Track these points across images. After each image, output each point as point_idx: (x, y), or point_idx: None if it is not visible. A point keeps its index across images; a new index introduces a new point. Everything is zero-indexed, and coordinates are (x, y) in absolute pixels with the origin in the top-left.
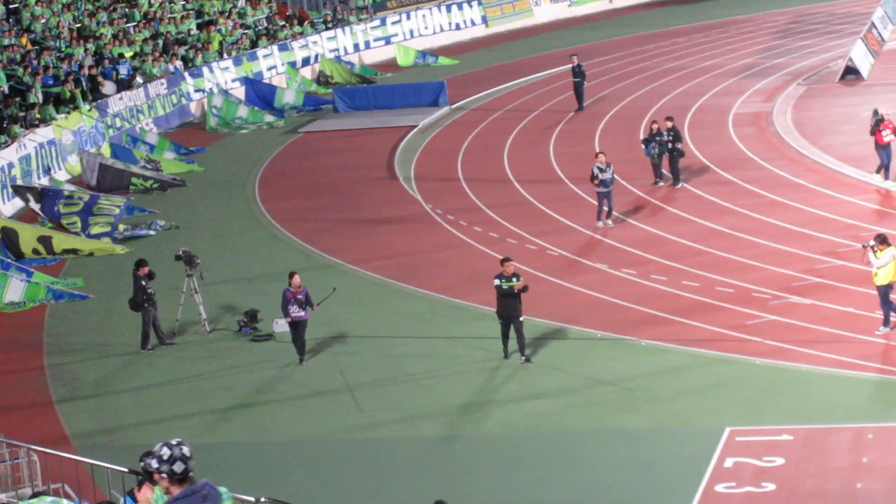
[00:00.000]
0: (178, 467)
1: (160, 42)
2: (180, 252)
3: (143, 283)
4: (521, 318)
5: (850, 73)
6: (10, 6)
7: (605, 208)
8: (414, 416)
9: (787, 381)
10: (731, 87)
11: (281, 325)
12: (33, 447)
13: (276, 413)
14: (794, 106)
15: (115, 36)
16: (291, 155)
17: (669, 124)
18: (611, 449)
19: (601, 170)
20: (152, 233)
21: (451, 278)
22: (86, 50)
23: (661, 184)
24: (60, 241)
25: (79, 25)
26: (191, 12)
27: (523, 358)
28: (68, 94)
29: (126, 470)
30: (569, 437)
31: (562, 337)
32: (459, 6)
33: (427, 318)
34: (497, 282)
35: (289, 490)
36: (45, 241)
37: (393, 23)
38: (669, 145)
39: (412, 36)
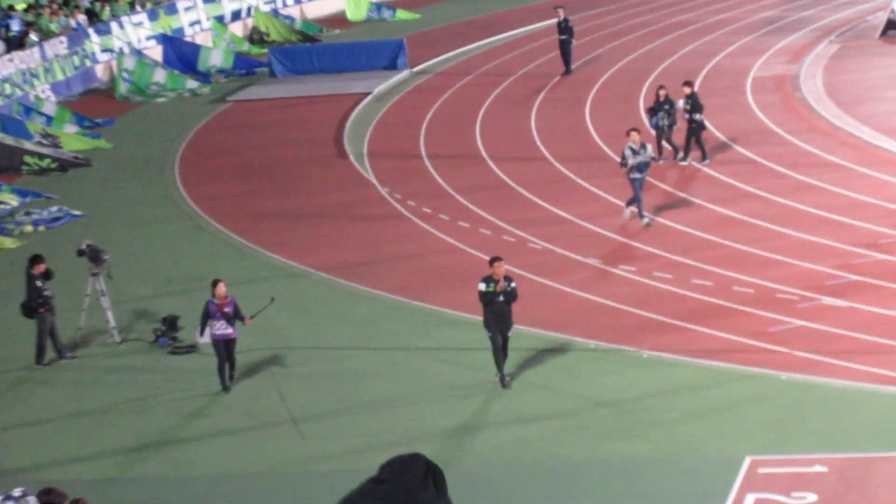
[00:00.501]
0: None
1: None
2: (84, 246)
3: (39, 283)
4: (511, 333)
5: (893, 27)
6: None
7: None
8: (368, 445)
9: (819, 401)
10: (749, 46)
11: (207, 335)
12: None
13: (201, 442)
14: (825, 68)
15: None
16: (219, 129)
17: (687, 90)
18: (608, 482)
19: (634, 151)
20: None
21: (413, 277)
22: None
23: (680, 160)
24: None
25: None
26: None
27: (499, 377)
28: None
29: None
30: (558, 468)
31: (548, 348)
32: None
33: (384, 325)
34: (483, 286)
35: None
36: None
37: None
38: (687, 115)
39: None
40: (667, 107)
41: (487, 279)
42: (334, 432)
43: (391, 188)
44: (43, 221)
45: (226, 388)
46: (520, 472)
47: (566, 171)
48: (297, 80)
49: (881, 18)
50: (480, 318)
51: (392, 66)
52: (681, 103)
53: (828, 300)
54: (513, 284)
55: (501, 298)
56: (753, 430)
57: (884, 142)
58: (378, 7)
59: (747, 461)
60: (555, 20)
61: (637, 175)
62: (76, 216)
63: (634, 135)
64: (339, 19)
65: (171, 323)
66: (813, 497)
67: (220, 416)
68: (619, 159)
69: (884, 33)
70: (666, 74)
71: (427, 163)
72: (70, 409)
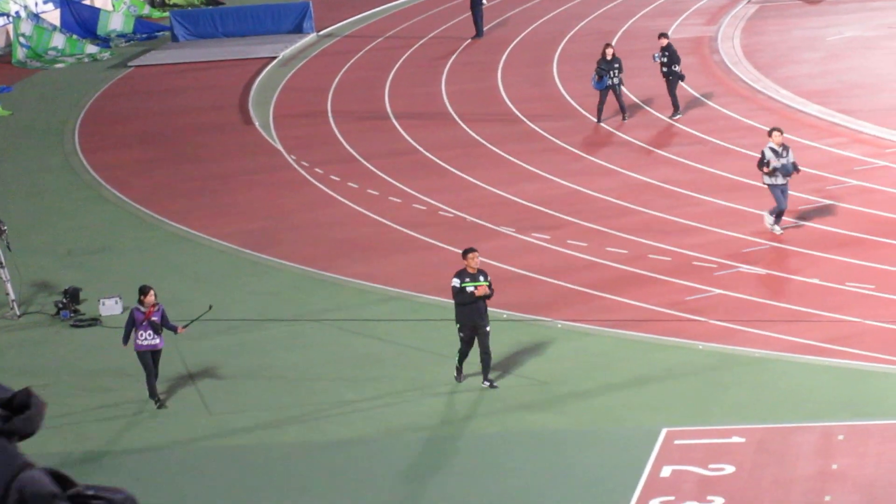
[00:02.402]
0: None
1: None
2: None
3: None
4: (489, 328)
5: None
6: None
7: (777, 207)
8: (276, 419)
9: (737, 370)
10: (664, 7)
11: (109, 307)
12: None
13: (103, 417)
14: (743, 29)
15: None
16: (120, 95)
17: (664, 42)
18: (523, 454)
19: (776, 153)
20: None
21: (321, 246)
22: None
23: (672, 116)
24: None
25: None
26: None
27: (486, 383)
28: None
29: None
30: (471, 441)
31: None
32: None
33: (290, 296)
34: (457, 282)
35: None
36: None
37: None
38: (664, 69)
39: None
40: (616, 66)
41: (461, 273)
42: (240, 405)
43: (298, 155)
44: None
45: (158, 402)
46: (431, 445)
47: (477, 137)
48: (200, 44)
49: None
50: (391, 289)
51: (298, 30)
52: (656, 57)
53: (745, 268)
54: (488, 279)
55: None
56: (670, 401)
57: (804, 105)
58: None
59: (664, 433)
60: None
61: (780, 181)
62: None
63: (776, 135)
64: None
65: (72, 295)
66: (731, 469)
67: (123, 391)
68: (787, 165)
69: None
70: (579, 37)
71: (335, 129)
72: None
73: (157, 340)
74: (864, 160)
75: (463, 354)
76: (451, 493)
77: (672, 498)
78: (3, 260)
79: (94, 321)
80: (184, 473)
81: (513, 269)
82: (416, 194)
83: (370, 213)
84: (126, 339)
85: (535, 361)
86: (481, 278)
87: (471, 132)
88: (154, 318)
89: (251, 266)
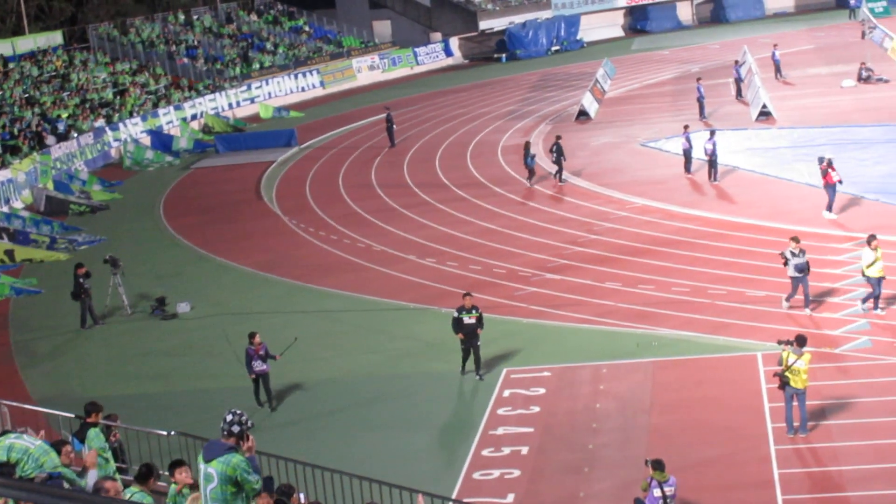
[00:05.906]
0: (235, 429)
1: (88, 105)
2: (107, 256)
3: (81, 280)
4: (479, 342)
5: (582, 114)
6: None
7: (800, 295)
8: (290, 365)
9: (545, 334)
10: (499, 127)
11: (182, 308)
12: (3, 401)
13: (182, 369)
14: (544, 139)
15: (53, 102)
16: (186, 184)
17: (557, 141)
18: (422, 386)
19: (794, 254)
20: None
21: (304, 269)
22: (33, 113)
23: (561, 181)
24: (20, 253)
25: (27, 95)
26: (109, 83)
27: (479, 376)
28: (21, 145)
29: (73, 416)
30: (394, 378)
31: (385, 308)
32: (304, 74)
33: (287, 298)
34: (455, 313)
35: (190, 425)
36: (8, 253)
37: (256, 87)
38: (555, 156)
39: (270, 96)
40: (533, 153)
41: (460, 309)
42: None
43: (290, 217)
44: (84, 243)
45: (260, 404)
46: (372, 381)
47: (393, 204)
48: (232, 154)
49: (575, 109)
50: (342, 292)
51: (288, 144)
52: (553, 149)
53: (549, 276)
54: (479, 312)
55: (472, 321)
56: (508, 352)
57: (580, 181)
58: (279, 109)
59: (505, 371)
60: (383, 115)
61: (797, 274)
62: (102, 239)
63: (793, 243)
64: (255, 117)
65: (160, 301)
66: (543, 390)
67: (190, 354)
68: (801, 264)
69: (577, 118)
70: (449, 146)
71: (311, 201)
72: (102, 354)
73: (265, 367)
74: (614, 212)
75: (463, 359)
76: (386, 407)
77: (510, 407)
78: (120, 282)
79: (174, 316)
80: (228, 403)
81: (414, 278)
82: (359, 238)
83: (332, 249)
84: (250, 369)
85: (428, 332)
86: (473, 311)
87: (389, 201)
88: (261, 353)
89: (263, 281)
